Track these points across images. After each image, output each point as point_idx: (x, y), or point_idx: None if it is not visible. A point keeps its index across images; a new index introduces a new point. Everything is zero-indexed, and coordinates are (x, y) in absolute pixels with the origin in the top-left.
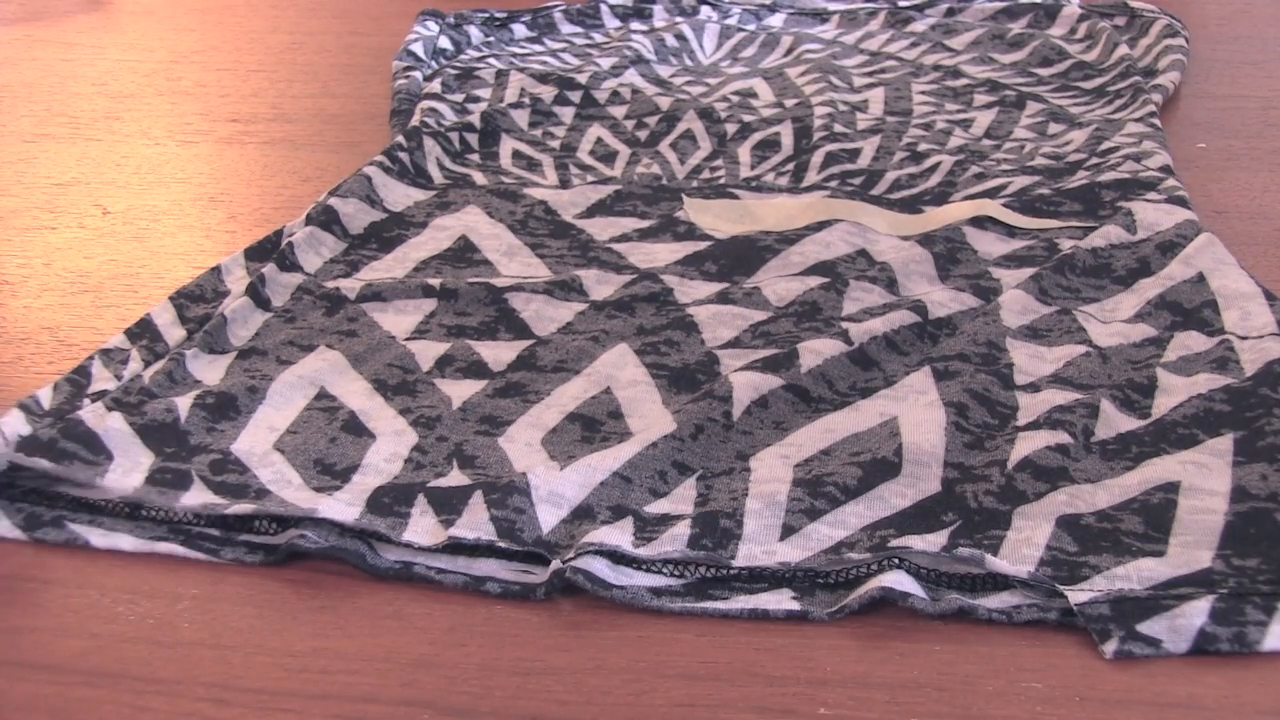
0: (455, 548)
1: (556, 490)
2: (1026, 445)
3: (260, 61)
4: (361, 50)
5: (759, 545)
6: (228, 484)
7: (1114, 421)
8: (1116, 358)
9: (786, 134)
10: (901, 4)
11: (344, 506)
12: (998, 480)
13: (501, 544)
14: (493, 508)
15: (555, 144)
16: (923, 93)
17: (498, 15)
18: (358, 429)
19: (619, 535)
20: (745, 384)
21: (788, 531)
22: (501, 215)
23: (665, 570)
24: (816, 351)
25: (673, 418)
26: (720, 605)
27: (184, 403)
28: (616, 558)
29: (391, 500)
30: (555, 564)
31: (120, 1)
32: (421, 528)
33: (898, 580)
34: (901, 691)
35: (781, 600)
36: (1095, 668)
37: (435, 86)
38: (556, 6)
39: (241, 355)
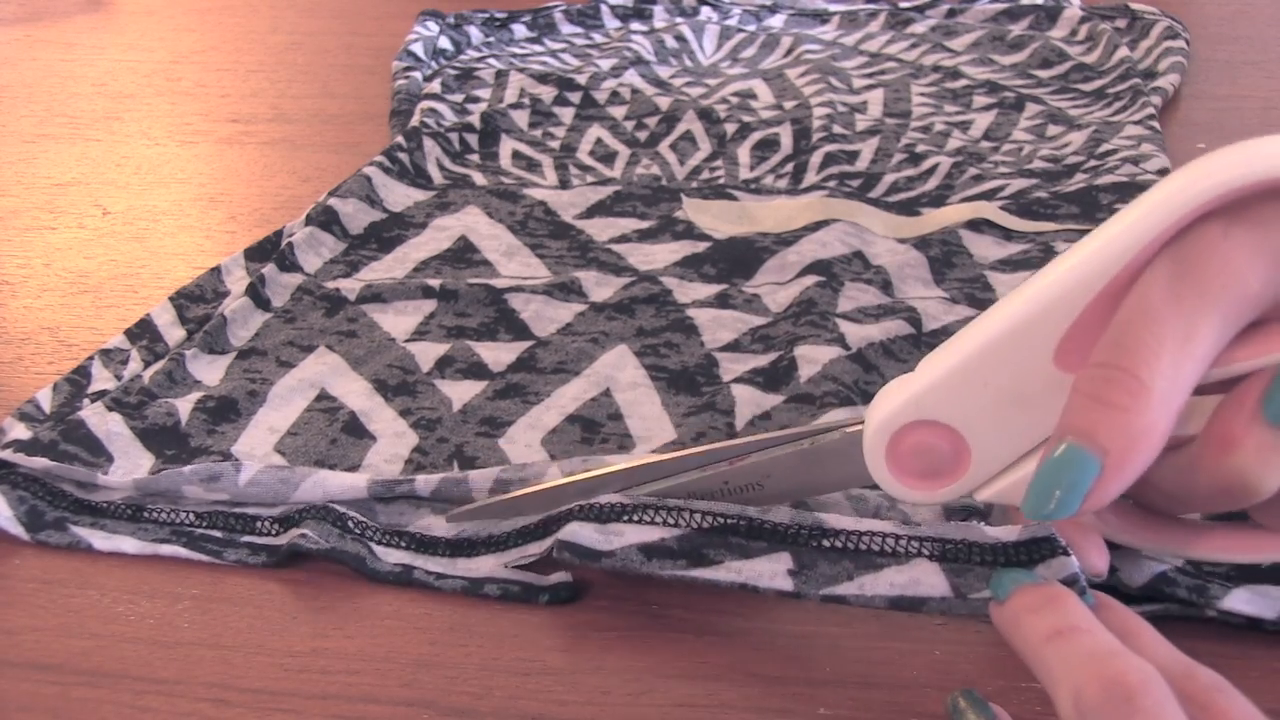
0: (455, 547)
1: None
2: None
3: (260, 61)
4: (361, 50)
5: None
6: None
7: None
8: None
9: (786, 135)
10: (902, 5)
11: (350, 481)
12: None
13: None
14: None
15: (555, 144)
16: (922, 94)
17: (498, 15)
18: (358, 430)
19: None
20: (748, 399)
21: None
22: (501, 216)
23: (659, 519)
24: (814, 360)
25: (674, 430)
26: (710, 573)
27: (184, 406)
28: (606, 514)
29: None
30: (548, 543)
31: (120, 1)
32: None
33: (915, 582)
34: (901, 691)
35: (776, 572)
36: None
37: (435, 87)
38: (556, 7)
39: (241, 355)
